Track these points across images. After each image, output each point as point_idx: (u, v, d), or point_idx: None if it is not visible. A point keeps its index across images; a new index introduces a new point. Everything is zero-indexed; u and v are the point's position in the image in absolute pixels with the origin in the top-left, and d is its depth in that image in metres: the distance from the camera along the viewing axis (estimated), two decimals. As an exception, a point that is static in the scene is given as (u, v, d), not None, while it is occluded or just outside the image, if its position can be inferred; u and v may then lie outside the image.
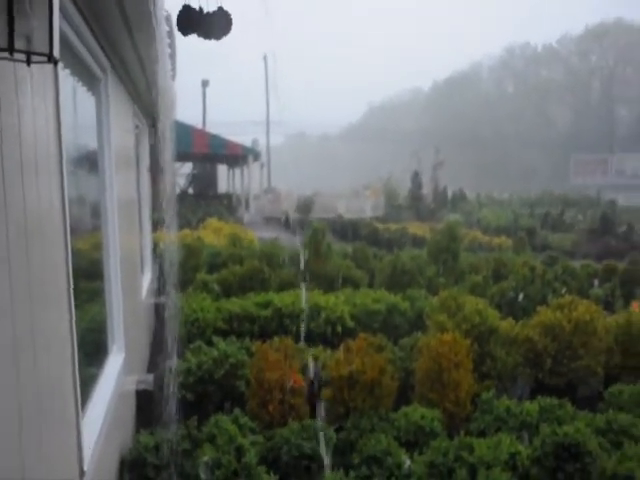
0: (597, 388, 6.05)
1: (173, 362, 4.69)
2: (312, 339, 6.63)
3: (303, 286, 8.21)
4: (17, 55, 1.58)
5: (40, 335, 2.08)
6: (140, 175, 7.52)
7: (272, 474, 3.99)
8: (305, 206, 27.62)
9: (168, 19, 4.53)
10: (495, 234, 22.27)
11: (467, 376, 5.17)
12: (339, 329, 6.84)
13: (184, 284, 7.94)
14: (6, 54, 1.53)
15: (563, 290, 8.50)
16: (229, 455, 3.94)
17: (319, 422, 4.56)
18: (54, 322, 2.36)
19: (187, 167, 31.92)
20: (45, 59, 1.64)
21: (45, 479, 2.02)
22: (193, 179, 32.30)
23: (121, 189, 4.73)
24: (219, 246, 12.28)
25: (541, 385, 5.90)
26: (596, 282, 10.20)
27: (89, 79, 3.85)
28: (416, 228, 21.59)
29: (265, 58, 42.02)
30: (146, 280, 7.48)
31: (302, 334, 6.66)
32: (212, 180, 32.99)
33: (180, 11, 3.34)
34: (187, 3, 3.36)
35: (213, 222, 18.65)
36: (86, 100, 3.89)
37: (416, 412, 4.71)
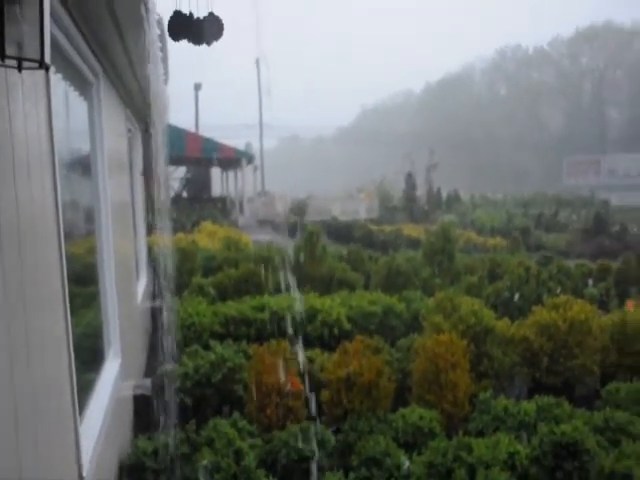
0: (594, 386, 6.07)
1: (170, 366, 4.68)
2: (309, 342, 6.61)
3: (299, 289, 8.20)
4: (8, 61, 1.57)
5: (35, 339, 2.06)
6: (133, 179, 7.50)
7: (271, 477, 3.98)
8: (299, 209, 27.65)
9: (160, 23, 4.53)
10: (490, 235, 22.34)
11: (464, 376, 5.18)
12: (336, 331, 6.82)
13: (179, 288, 7.92)
14: (-3, 60, 1.52)
15: (558, 290, 8.51)
16: (228, 459, 3.93)
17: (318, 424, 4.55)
18: (49, 325, 2.35)
19: (181, 171, 31.91)
20: (36, 65, 1.64)
21: (43, 485, 2.01)
22: (187, 183, 32.28)
23: (115, 193, 4.71)
24: (214, 250, 12.26)
25: (538, 384, 5.91)
26: (590, 282, 10.23)
27: (81, 83, 3.83)
28: (411, 230, 21.63)
29: (257, 61, 42.06)
30: (141, 284, 7.45)
31: (299, 337, 6.65)
32: (206, 184, 32.98)
33: (171, 17, 3.34)
34: (178, 9, 3.36)
35: (207, 225, 18.63)
36: (78, 105, 3.88)
37: (414, 413, 4.71)
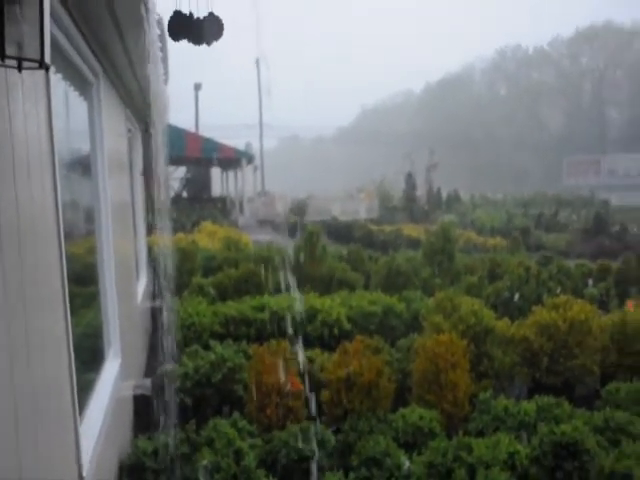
0: (594, 386, 6.07)
1: (170, 367, 4.68)
2: (309, 342, 6.61)
3: (299, 289, 8.20)
4: (8, 61, 1.57)
5: (35, 339, 2.06)
6: (134, 179, 7.50)
7: (271, 477, 3.98)
8: (299, 209, 27.66)
9: (160, 23, 4.53)
10: (490, 235, 22.34)
11: (464, 376, 5.18)
12: (336, 331, 6.83)
13: (179, 288, 7.92)
14: (-2, 61, 1.52)
15: (558, 290, 8.51)
16: (228, 459, 3.93)
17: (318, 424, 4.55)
18: (49, 325, 2.35)
19: (181, 171, 31.92)
20: (36, 65, 1.64)
21: (44, 485, 2.01)
22: (187, 183, 32.28)
23: (115, 193, 4.71)
24: (214, 250, 12.26)
25: (538, 384, 5.91)
26: (590, 282, 10.23)
27: (81, 83, 3.83)
28: (411, 230, 21.63)
29: (257, 61, 42.05)
30: (141, 284, 7.45)
31: (299, 337, 6.65)
32: (206, 184, 32.99)
33: (171, 17, 3.34)
34: (178, 9, 3.36)
35: (207, 225, 18.63)
36: (78, 104, 3.88)
37: (414, 413, 4.71)
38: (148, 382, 5.22)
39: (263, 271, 8.60)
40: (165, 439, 4.05)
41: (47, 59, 1.64)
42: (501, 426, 4.68)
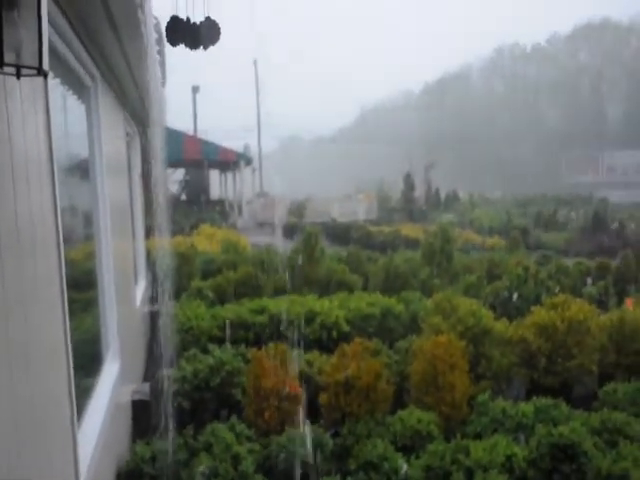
0: (592, 387, 6.07)
1: (168, 371, 4.67)
2: (307, 344, 6.61)
3: (298, 291, 8.21)
4: (7, 68, 1.58)
5: (34, 346, 2.07)
6: (132, 182, 7.50)
7: (269, 481, 3.98)
8: (298, 210, 27.66)
9: (157, 26, 4.53)
10: (488, 234, 22.34)
11: (462, 378, 5.18)
12: (334, 334, 6.82)
13: (178, 291, 7.92)
14: (-4, 68, 1.53)
15: (557, 289, 8.52)
16: (226, 463, 3.93)
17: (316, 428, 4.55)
18: (48, 331, 2.35)
19: (179, 173, 31.91)
20: (35, 72, 1.64)
21: (41, 493, 2.01)
22: (185, 185, 32.27)
23: (113, 196, 4.72)
24: (212, 252, 12.25)
25: (536, 385, 5.91)
26: (589, 280, 10.23)
27: (78, 87, 3.84)
28: (409, 230, 21.61)
29: (255, 63, 42.03)
30: (140, 288, 7.45)
31: (298, 340, 6.65)
32: (204, 186, 32.98)
33: (168, 22, 3.34)
34: (175, 13, 3.36)
35: (206, 228, 18.61)
36: (76, 108, 3.88)
37: (412, 416, 4.71)
38: (146, 387, 5.22)
39: (262, 274, 8.61)
40: (163, 444, 4.05)
41: (45, 66, 1.65)
42: (499, 428, 4.69)
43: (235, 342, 6.36)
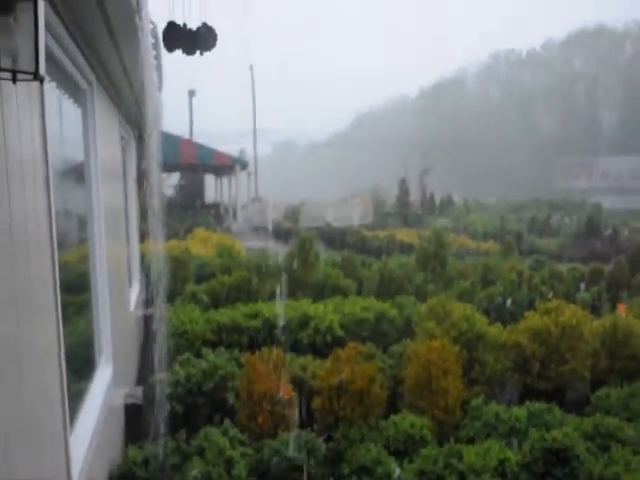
0: (584, 392, 6.10)
1: (162, 375, 4.67)
2: (301, 349, 6.62)
3: (292, 296, 8.20)
4: (2, 74, 1.59)
5: (27, 348, 2.07)
6: (127, 186, 7.50)
7: (262, 486, 3.98)
8: (293, 215, 27.66)
9: (154, 31, 4.55)
10: (483, 239, 22.41)
11: (456, 383, 5.19)
12: (328, 338, 6.83)
13: (172, 295, 7.91)
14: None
15: (550, 294, 8.56)
16: (219, 468, 3.93)
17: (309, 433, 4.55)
18: (41, 335, 2.36)
19: (174, 177, 31.89)
20: (31, 77, 1.65)
21: (33, 497, 2.01)
22: (180, 189, 32.25)
23: (108, 200, 4.72)
24: (207, 257, 12.25)
25: (530, 390, 5.93)
26: (583, 286, 10.28)
27: (74, 91, 3.85)
28: (404, 235, 21.64)
29: (251, 67, 42.05)
30: (134, 292, 7.44)
31: (291, 344, 6.65)
32: (199, 190, 32.96)
33: (165, 28, 3.37)
34: (172, 18, 3.38)
35: (201, 232, 18.59)
36: (72, 112, 3.89)
37: (405, 420, 4.72)
38: (139, 391, 5.21)
39: (256, 278, 8.61)
40: (156, 448, 4.05)
41: (42, 71, 1.66)
42: (492, 432, 4.70)
43: (229, 346, 6.36)
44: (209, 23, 4.02)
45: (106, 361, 4.28)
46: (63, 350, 2.63)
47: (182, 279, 9.23)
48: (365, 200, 32.98)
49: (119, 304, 5.29)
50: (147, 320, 7.73)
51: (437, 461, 4.08)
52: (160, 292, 5.24)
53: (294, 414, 4.84)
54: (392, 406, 5.26)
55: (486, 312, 7.54)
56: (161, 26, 4.17)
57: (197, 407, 5.22)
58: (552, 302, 6.76)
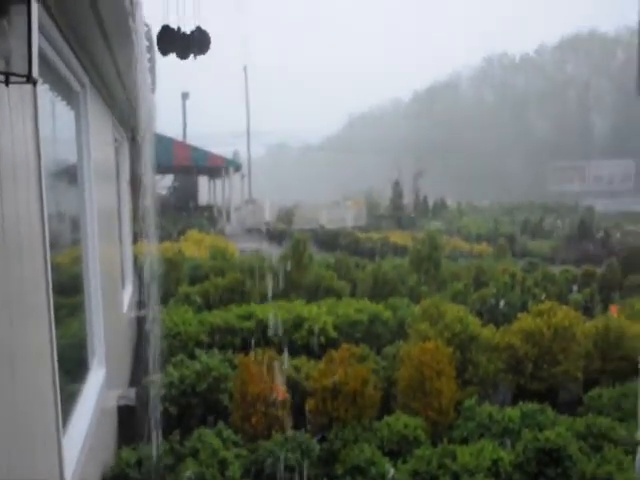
0: (577, 392, 6.13)
1: (155, 377, 4.66)
2: (295, 350, 6.62)
3: (286, 297, 8.21)
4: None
5: (19, 350, 2.07)
6: (120, 188, 7.49)
7: (256, 487, 3.98)
8: (286, 217, 27.67)
9: (148, 33, 4.55)
10: (476, 242, 22.48)
11: (449, 384, 5.21)
12: (322, 340, 6.83)
13: (166, 297, 7.90)
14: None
15: (543, 296, 8.60)
16: (213, 469, 3.93)
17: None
18: (33, 337, 2.35)
19: (168, 179, 31.85)
20: (24, 80, 1.65)
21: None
22: (174, 191, 32.21)
23: (101, 202, 4.72)
24: (200, 258, 12.23)
25: (523, 390, 5.96)
26: (575, 287, 10.33)
27: (67, 93, 3.85)
28: (397, 237, 21.69)
29: (245, 69, 42.03)
30: (127, 293, 7.43)
31: (285, 345, 6.65)
32: (193, 192, 32.93)
33: (159, 32, 3.38)
34: (166, 21, 3.39)
35: (194, 234, 18.57)
36: (65, 114, 3.89)
37: (399, 421, 4.73)
38: (132, 392, 5.20)
39: (249, 280, 8.60)
40: (149, 450, 4.04)
41: (35, 74, 1.66)
42: (486, 433, 4.72)
43: (222, 348, 6.36)
44: (203, 25, 4.03)
45: (99, 363, 4.27)
46: (56, 352, 2.63)
47: (175, 281, 9.22)
48: (359, 202, 33.01)
49: (112, 306, 5.28)
50: (140, 322, 7.71)
51: (431, 461, 4.09)
52: (153, 294, 5.24)
53: (288, 415, 4.84)
54: (385, 407, 5.27)
55: (479, 314, 7.57)
56: (155, 29, 4.18)
57: (191, 408, 5.22)
58: (545, 304, 6.79)
